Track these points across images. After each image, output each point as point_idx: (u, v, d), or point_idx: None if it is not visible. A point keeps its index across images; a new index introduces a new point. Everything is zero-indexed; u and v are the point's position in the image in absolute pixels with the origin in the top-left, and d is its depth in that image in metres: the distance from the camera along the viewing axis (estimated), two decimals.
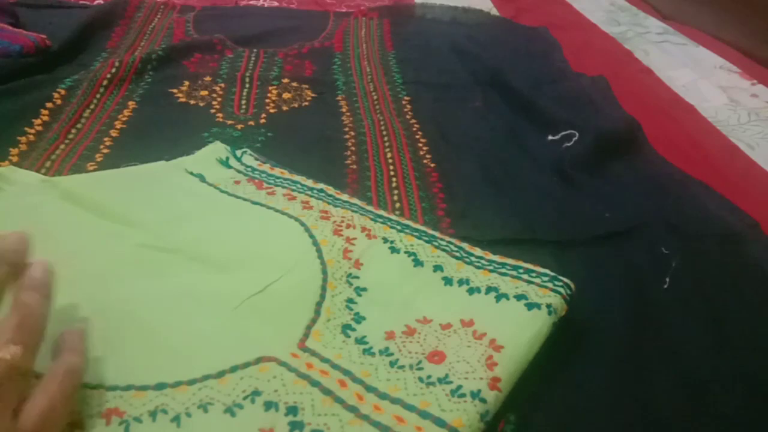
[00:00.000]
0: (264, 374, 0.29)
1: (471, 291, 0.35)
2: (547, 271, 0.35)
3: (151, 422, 0.27)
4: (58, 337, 0.27)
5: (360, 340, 0.32)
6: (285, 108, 0.60)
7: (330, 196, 0.43)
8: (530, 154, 0.54)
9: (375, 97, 0.63)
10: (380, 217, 0.41)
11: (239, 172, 0.46)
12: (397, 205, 0.46)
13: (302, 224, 0.40)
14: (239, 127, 0.55)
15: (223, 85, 0.62)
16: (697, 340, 0.35)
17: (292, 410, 0.28)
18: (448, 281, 0.36)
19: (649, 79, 0.72)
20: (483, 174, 0.50)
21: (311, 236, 0.39)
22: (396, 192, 0.47)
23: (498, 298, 0.34)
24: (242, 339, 0.31)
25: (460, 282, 0.35)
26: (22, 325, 0.24)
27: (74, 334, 0.27)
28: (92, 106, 0.56)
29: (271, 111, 0.59)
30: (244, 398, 0.28)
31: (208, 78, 0.63)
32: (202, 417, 0.27)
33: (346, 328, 0.33)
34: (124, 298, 0.32)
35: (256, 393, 0.28)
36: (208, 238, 0.39)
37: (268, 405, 0.28)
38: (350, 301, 0.34)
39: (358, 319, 0.33)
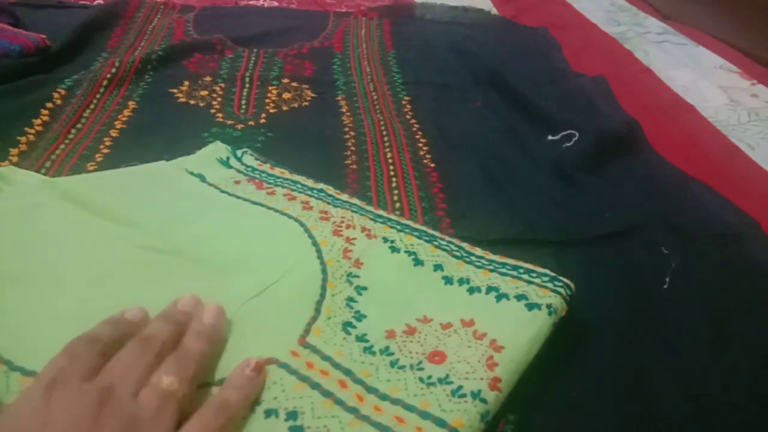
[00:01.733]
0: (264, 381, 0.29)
1: (471, 290, 0.35)
2: (548, 272, 0.35)
3: None
4: (233, 370, 0.29)
5: (360, 338, 0.32)
6: (285, 108, 0.60)
7: (330, 196, 0.43)
8: (530, 154, 0.54)
9: (375, 97, 0.63)
10: (380, 216, 0.41)
11: (239, 172, 0.46)
12: (397, 205, 0.46)
13: (302, 225, 0.40)
14: (239, 127, 0.55)
15: (223, 85, 0.62)
16: (697, 340, 0.35)
17: (292, 415, 0.28)
18: (448, 280, 0.36)
19: (649, 79, 0.72)
20: (483, 174, 0.50)
21: (311, 237, 0.39)
22: (396, 192, 0.47)
23: (498, 298, 0.34)
24: (242, 344, 0.31)
25: (461, 281, 0.35)
26: (179, 361, 0.28)
27: (240, 375, 0.29)
28: (92, 106, 0.56)
29: (271, 111, 0.59)
30: None
31: (208, 78, 0.63)
32: None
33: (346, 326, 0.33)
34: (122, 302, 0.32)
35: (256, 402, 0.28)
36: (208, 238, 0.39)
37: (268, 413, 0.28)
38: (350, 299, 0.34)
39: (359, 317, 0.33)
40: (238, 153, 0.48)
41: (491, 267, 0.36)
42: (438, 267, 0.37)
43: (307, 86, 0.64)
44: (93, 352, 0.27)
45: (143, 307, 0.31)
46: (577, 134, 0.55)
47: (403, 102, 0.63)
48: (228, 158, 0.47)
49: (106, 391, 0.25)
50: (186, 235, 0.39)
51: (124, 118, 0.55)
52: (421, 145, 0.54)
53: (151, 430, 0.25)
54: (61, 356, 0.27)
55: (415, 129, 0.57)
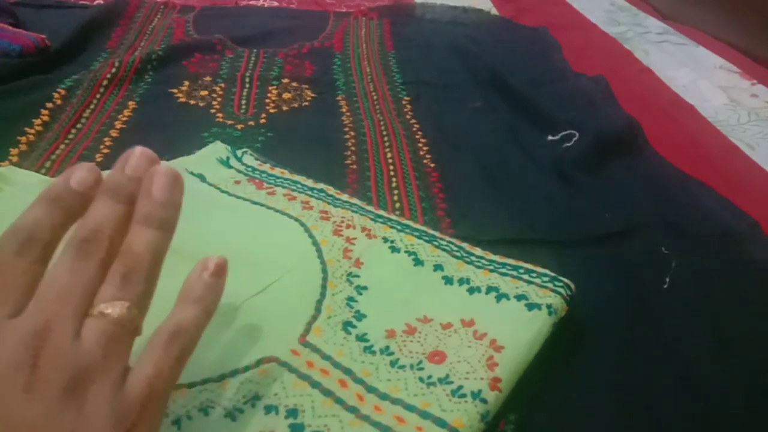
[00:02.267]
0: (264, 378, 0.29)
1: (471, 290, 0.35)
2: (548, 272, 0.35)
3: None
4: (185, 282, 0.24)
5: (361, 338, 0.32)
6: (285, 108, 0.60)
7: (330, 196, 0.43)
8: (530, 154, 0.54)
9: (375, 97, 0.63)
10: (380, 217, 0.41)
11: (240, 171, 0.46)
12: (397, 205, 0.46)
13: (302, 224, 0.40)
14: (239, 127, 0.55)
15: (223, 85, 0.62)
16: (697, 340, 0.35)
17: (292, 413, 0.28)
18: (448, 280, 0.36)
19: (649, 79, 0.72)
20: (483, 174, 0.50)
21: (311, 236, 0.39)
22: (396, 192, 0.47)
23: (498, 298, 0.34)
24: (242, 341, 0.31)
25: (461, 281, 0.35)
26: (128, 276, 0.22)
27: (197, 282, 0.24)
28: (92, 106, 0.56)
29: (271, 111, 0.59)
30: (245, 403, 0.28)
31: (208, 78, 0.63)
32: (202, 420, 0.27)
33: (347, 325, 0.33)
34: None
35: (256, 398, 0.28)
36: (208, 238, 0.39)
37: (269, 409, 0.28)
38: (351, 299, 0.34)
39: (359, 316, 0.33)
40: (238, 153, 0.48)
41: (491, 267, 0.36)
42: (438, 267, 0.37)
43: (307, 86, 0.64)
44: (27, 259, 0.21)
45: (94, 165, 0.24)
46: (577, 134, 0.55)
47: (403, 102, 0.63)
48: (228, 158, 0.47)
49: (41, 334, 0.20)
50: (186, 234, 0.38)
51: (124, 118, 0.55)
52: (421, 145, 0.54)
53: (100, 383, 0.20)
54: None
55: (415, 129, 0.57)
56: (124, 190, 0.23)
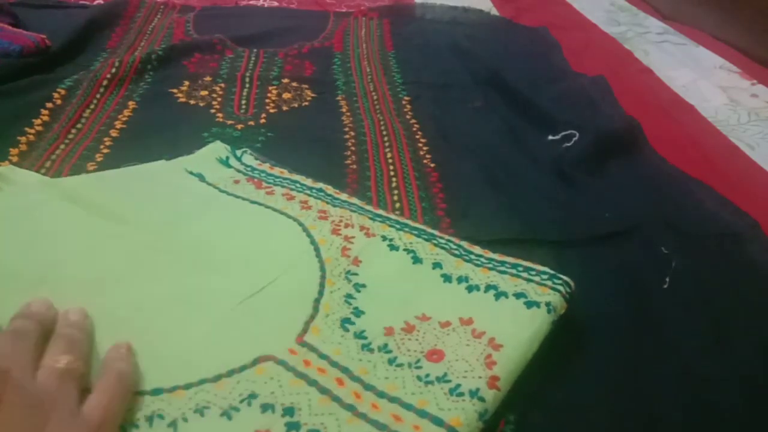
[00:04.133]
0: (261, 376, 0.29)
1: (470, 289, 0.35)
2: (547, 270, 0.35)
3: (148, 427, 0.27)
4: (107, 351, 0.30)
5: (359, 335, 0.32)
6: (285, 108, 0.60)
7: (329, 195, 0.43)
8: (530, 154, 0.54)
9: (375, 97, 0.63)
10: (379, 216, 0.41)
11: (239, 171, 0.46)
12: (397, 205, 0.46)
13: (300, 224, 0.40)
14: (239, 127, 0.55)
15: (223, 85, 0.62)
16: (697, 340, 0.35)
17: (289, 411, 0.28)
18: (447, 278, 0.36)
19: (649, 79, 0.72)
20: (483, 174, 0.50)
21: (309, 236, 0.39)
22: (396, 192, 0.47)
23: (497, 296, 0.34)
24: (239, 340, 0.31)
25: (459, 279, 0.35)
26: (70, 342, 0.29)
27: (121, 348, 0.30)
28: (92, 106, 0.56)
29: (271, 111, 0.59)
30: (241, 401, 0.28)
31: (208, 78, 0.63)
32: (198, 421, 0.27)
33: (345, 322, 0.33)
34: (121, 301, 0.32)
35: (252, 396, 0.28)
36: (207, 238, 0.39)
37: (265, 407, 0.28)
38: (349, 296, 0.34)
39: (357, 312, 0.33)
40: (238, 153, 0.48)
41: (490, 265, 0.36)
42: (437, 265, 0.37)
43: (307, 86, 0.64)
44: None
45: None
46: (577, 134, 0.55)
47: (403, 102, 0.63)
48: (227, 158, 0.47)
49: (3, 373, 0.24)
50: (185, 234, 0.39)
51: (124, 118, 0.55)
52: (421, 145, 0.54)
53: (56, 408, 0.25)
54: None
55: (415, 129, 0.57)
56: (37, 315, 0.30)
